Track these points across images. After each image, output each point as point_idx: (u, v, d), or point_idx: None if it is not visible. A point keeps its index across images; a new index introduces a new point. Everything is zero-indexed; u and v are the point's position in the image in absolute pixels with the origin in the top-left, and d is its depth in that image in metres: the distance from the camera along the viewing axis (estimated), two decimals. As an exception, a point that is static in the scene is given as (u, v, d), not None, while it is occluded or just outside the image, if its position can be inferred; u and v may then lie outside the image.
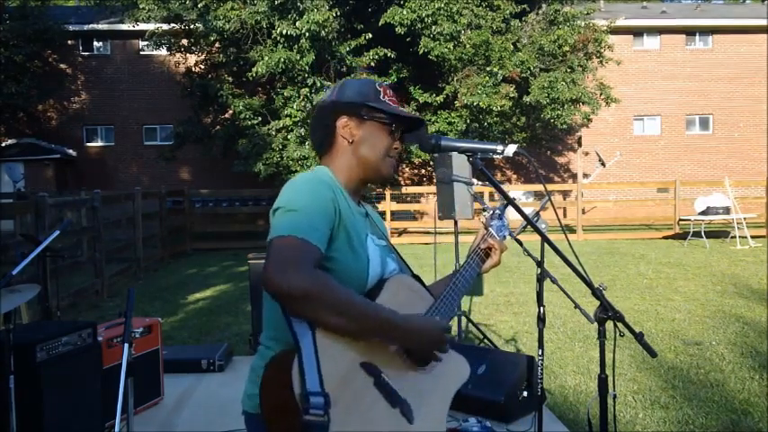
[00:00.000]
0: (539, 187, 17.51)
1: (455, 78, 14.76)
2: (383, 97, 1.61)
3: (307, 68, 13.46)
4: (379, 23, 14.09)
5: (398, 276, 1.57)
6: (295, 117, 13.85)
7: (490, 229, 1.87)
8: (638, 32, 22.40)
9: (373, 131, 1.60)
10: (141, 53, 21.43)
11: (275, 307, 1.41)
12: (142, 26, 16.49)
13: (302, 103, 13.69)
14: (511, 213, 1.89)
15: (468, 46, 13.99)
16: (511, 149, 1.71)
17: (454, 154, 1.82)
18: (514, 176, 21.43)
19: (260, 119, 14.56)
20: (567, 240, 1.93)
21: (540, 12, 16.02)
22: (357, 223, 1.55)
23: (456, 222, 5.58)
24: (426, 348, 1.44)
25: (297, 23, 12.94)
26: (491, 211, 1.94)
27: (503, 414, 3.77)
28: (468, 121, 14.86)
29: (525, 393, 3.83)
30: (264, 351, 1.48)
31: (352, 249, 1.48)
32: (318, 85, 13.63)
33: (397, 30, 13.90)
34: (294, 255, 1.30)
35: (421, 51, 14.21)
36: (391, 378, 1.36)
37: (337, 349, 1.29)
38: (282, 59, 13.09)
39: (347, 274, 1.44)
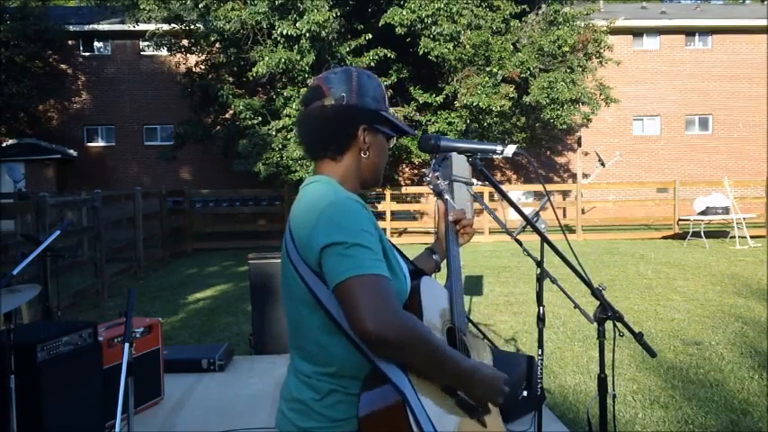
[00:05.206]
0: (538, 187, 17.51)
1: (455, 78, 14.77)
2: (386, 104, 1.57)
3: (307, 69, 13.47)
4: (379, 24, 14.08)
5: (425, 285, 1.54)
6: (295, 117, 13.86)
7: (448, 200, 1.78)
8: (637, 33, 22.40)
9: (381, 141, 1.56)
10: (142, 53, 21.45)
11: (330, 342, 1.39)
12: (143, 26, 16.52)
13: (302, 104, 13.70)
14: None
15: (467, 46, 13.99)
16: (510, 150, 1.72)
17: (454, 154, 1.80)
18: (514, 176, 21.43)
19: (260, 119, 14.56)
20: (567, 240, 1.94)
21: (540, 12, 16.02)
22: (383, 236, 1.48)
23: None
24: (488, 398, 1.44)
25: (297, 24, 12.94)
26: (432, 171, 1.79)
27: (502, 414, 3.77)
28: (468, 121, 14.86)
29: (525, 393, 3.83)
30: (318, 384, 1.41)
31: (392, 269, 1.43)
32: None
33: (397, 30, 13.90)
34: (383, 297, 1.27)
35: (421, 52, 14.20)
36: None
37: (430, 386, 1.36)
38: (283, 60, 13.10)
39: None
